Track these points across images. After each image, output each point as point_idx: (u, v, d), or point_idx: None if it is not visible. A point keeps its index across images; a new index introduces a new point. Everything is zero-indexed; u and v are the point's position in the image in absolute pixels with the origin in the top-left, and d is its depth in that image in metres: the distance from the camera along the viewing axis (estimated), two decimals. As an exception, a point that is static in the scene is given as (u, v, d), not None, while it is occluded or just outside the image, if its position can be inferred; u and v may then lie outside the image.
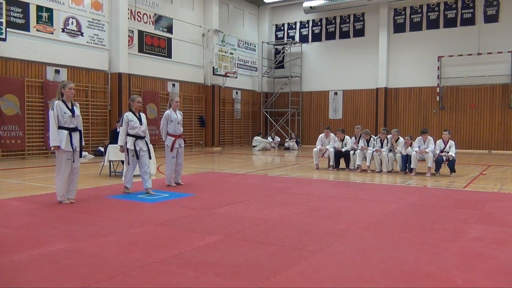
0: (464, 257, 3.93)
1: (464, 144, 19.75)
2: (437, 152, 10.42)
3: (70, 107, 6.34)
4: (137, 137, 7.21)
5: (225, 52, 20.82)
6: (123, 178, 7.54)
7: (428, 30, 20.72)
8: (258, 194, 7.34)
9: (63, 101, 6.30)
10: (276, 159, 16.12)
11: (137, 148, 7.18)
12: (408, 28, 21.23)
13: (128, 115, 7.24)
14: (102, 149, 14.94)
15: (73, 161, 6.34)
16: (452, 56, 19.80)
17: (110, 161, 9.75)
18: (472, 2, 19.72)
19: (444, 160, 10.32)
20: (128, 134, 7.21)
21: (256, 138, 21.21)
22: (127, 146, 7.18)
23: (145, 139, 7.33)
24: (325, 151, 11.94)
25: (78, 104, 6.63)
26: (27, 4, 13.60)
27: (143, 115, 7.43)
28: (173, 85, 19.24)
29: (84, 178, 9.32)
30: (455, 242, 4.42)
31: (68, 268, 3.53)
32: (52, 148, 6.33)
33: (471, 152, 19.33)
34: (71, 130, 6.30)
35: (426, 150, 10.32)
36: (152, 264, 3.63)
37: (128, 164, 7.26)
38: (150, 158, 7.38)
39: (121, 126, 7.25)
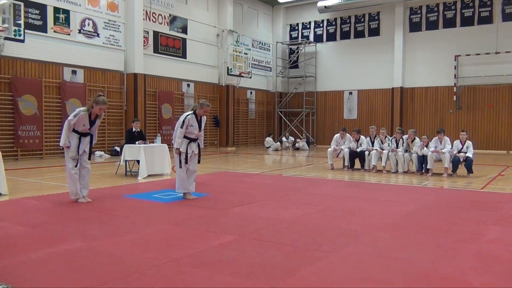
0: (481, 259, 3.87)
1: (482, 144, 19.43)
2: (455, 152, 10.28)
3: (93, 119, 6.48)
4: (191, 140, 6.91)
5: (240, 52, 20.84)
6: (176, 187, 6.92)
7: (444, 29, 20.44)
8: (273, 194, 7.34)
9: (90, 113, 6.41)
10: (290, 160, 16.08)
11: (189, 151, 6.88)
12: (424, 27, 20.98)
13: (190, 119, 6.79)
14: (118, 149, 15.08)
15: (76, 166, 6.39)
16: (469, 55, 19.52)
17: (126, 161, 9.85)
18: (489, 1, 19.38)
19: (461, 160, 10.17)
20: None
21: (267, 139, 21.18)
22: (181, 149, 6.81)
23: (198, 141, 7.03)
24: (340, 151, 11.87)
25: (102, 116, 6.77)
26: (45, 6, 13.81)
27: (204, 120, 7.05)
28: (188, 85, 19.34)
29: (100, 177, 9.44)
30: (472, 244, 4.36)
31: (84, 266, 3.57)
32: (61, 146, 6.47)
33: (489, 152, 19.01)
34: (81, 135, 6.44)
35: (443, 150, 10.19)
36: (167, 263, 3.65)
37: (180, 167, 6.78)
38: (199, 162, 7.12)
39: (181, 127, 6.73)
